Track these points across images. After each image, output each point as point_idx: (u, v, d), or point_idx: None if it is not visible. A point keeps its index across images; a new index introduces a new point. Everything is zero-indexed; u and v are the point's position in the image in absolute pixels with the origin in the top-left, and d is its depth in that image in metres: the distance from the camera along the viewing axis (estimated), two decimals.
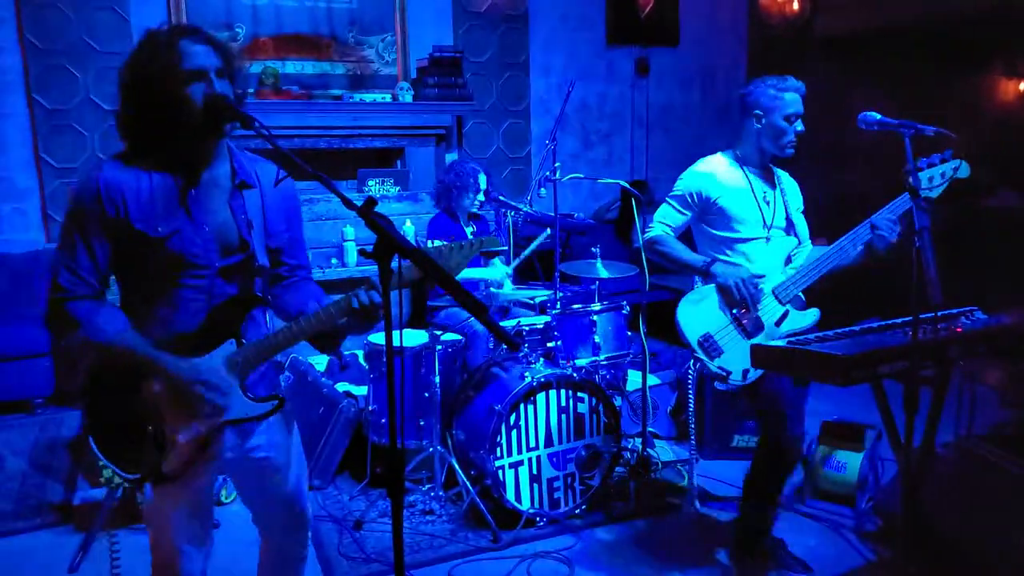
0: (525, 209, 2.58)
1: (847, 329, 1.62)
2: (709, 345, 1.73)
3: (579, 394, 2.17)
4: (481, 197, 2.61)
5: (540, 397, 2.11)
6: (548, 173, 2.40)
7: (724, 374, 1.73)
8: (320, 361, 2.89)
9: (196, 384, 1.07)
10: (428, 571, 1.89)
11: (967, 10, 3.67)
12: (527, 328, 2.38)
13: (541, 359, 2.26)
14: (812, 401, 2.55)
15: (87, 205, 1.07)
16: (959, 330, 1.57)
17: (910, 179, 1.46)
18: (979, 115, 3.87)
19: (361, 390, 2.57)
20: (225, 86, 1.09)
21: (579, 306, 2.42)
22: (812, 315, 1.79)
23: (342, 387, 2.60)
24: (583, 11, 4.45)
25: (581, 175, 3.05)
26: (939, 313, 1.45)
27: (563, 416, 2.15)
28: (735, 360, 1.73)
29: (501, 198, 2.66)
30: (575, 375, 2.16)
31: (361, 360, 2.81)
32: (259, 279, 1.16)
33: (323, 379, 2.62)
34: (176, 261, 1.09)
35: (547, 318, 2.38)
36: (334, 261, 3.33)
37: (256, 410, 1.13)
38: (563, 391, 2.15)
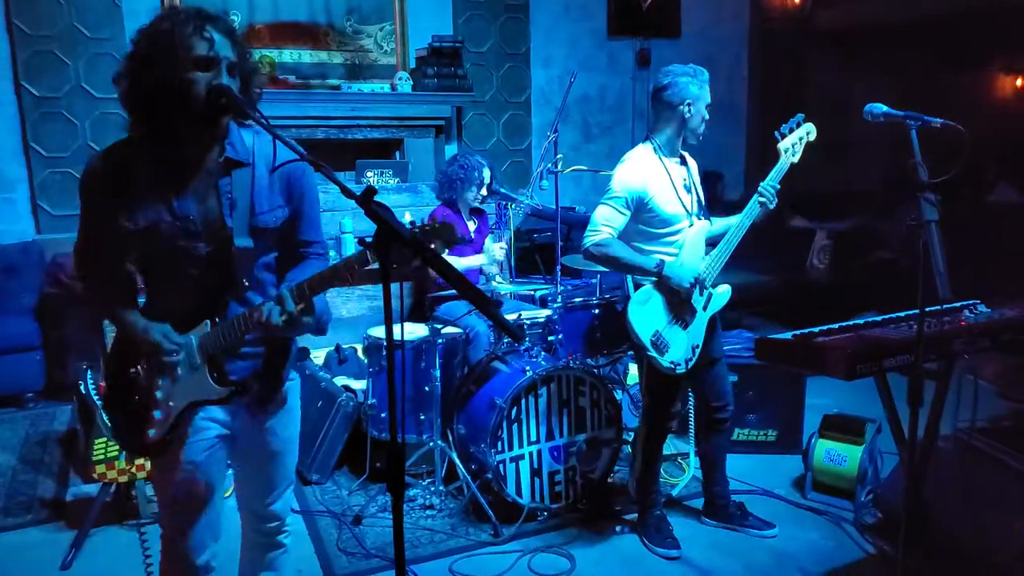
0: (527, 202, 2.55)
1: (851, 323, 1.62)
2: (660, 342, 1.80)
3: (580, 387, 2.15)
4: (484, 191, 2.59)
5: (542, 391, 2.10)
6: (550, 165, 2.37)
7: (673, 367, 1.80)
8: (318, 354, 2.86)
9: (150, 344, 1.12)
10: (428, 566, 1.88)
11: (967, 4, 3.66)
12: (528, 321, 2.36)
13: (542, 353, 2.24)
14: (811, 395, 2.58)
15: (83, 193, 1.13)
16: (963, 323, 1.56)
17: (918, 171, 1.45)
18: (979, 109, 3.87)
19: (360, 384, 2.55)
20: (233, 82, 1.07)
21: (580, 300, 2.40)
22: (726, 293, 1.90)
23: (340, 381, 2.57)
24: (584, 1, 4.40)
25: (584, 167, 3.02)
26: (943, 306, 1.44)
27: (564, 410, 2.14)
28: (679, 352, 1.82)
29: (502, 191, 2.63)
30: (576, 368, 2.14)
31: (360, 354, 2.78)
32: (245, 260, 1.15)
33: (321, 372, 2.60)
34: (163, 250, 1.11)
35: (548, 312, 2.36)
36: (332, 253, 3.29)
37: (215, 393, 1.15)
38: (564, 384, 2.13)
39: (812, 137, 1.85)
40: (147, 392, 1.16)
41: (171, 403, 1.15)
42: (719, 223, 1.91)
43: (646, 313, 1.79)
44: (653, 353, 1.77)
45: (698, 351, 1.84)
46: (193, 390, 1.14)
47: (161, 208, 1.09)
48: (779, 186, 1.82)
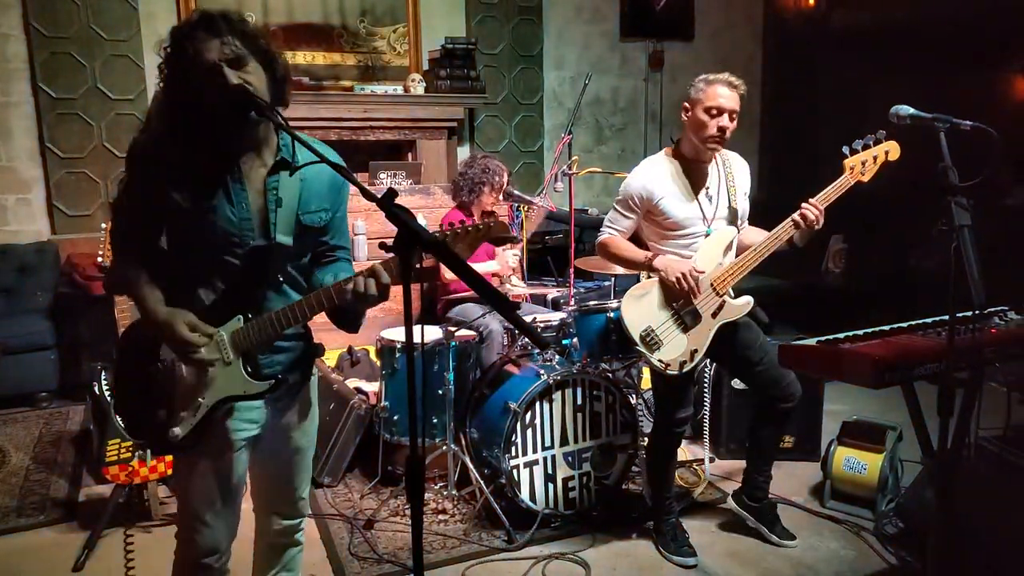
0: (542, 204, 2.53)
1: (876, 329, 1.58)
2: (651, 339, 1.77)
3: (595, 392, 2.13)
4: (500, 194, 2.58)
5: (556, 395, 2.07)
6: (565, 168, 2.36)
7: (663, 366, 1.77)
8: (330, 356, 2.85)
9: (176, 337, 1.09)
10: (441, 572, 1.86)
11: (986, 4, 3.60)
12: (542, 325, 2.34)
13: (556, 356, 2.22)
14: (829, 401, 2.53)
15: (131, 167, 1.12)
16: (993, 331, 1.52)
17: (948, 175, 1.41)
18: (998, 111, 3.80)
19: (372, 386, 2.54)
20: (245, 73, 1.06)
21: (594, 302, 2.38)
22: (745, 302, 1.83)
23: (352, 383, 2.56)
24: (597, 3, 4.39)
25: (599, 169, 3.00)
26: (974, 313, 1.40)
27: (579, 415, 2.11)
28: (673, 352, 1.78)
29: (517, 193, 2.62)
30: (591, 373, 2.12)
31: (372, 356, 2.77)
32: (283, 257, 1.16)
33: (333, 374, 2.59)
34: (212, 235, 1.10)
35: (563, 315, 2.34)
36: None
37: (253, 388, 1.13)
38: (579, 389, 2.11)
39: (894, 156, 1.71)
40: (172, 386, 1.13)
41: (201, 399, 1.12)
42: (753, 233, 1.85)
43: (640, 307, 1.77)
44: (641, 349, 1.75)
45: (698, 357, 1.79)
46: (226, 386, 1.12)
47: (219, 193, 1.08)
48: (821, 207, 1.70)
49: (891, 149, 1.73)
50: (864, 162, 1.72)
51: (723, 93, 1.74)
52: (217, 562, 1.18)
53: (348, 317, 1.18)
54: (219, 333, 1.12)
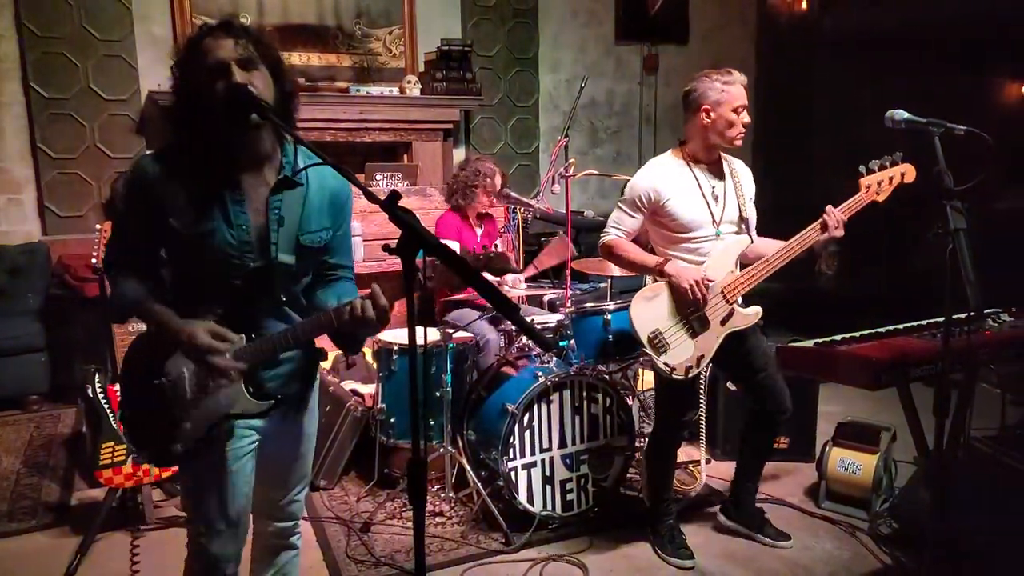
0: (537, 206, 2.54)
1: (873, 331, 1.59)
2: (658, 342, 1.77)
3: (593, 394, 2.13)
4: (495, 197, 2.57)
5: (554, 397, 2.08)
6: (562, 170, 2.36)
7: (668, 370, 1.77)
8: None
9: (190, 342, 1.09)
10: (439, 574, 1.85)
11: (975, 10, 3.66)
12: (539, 327, 2.34)
13: (554, 358, 2.22)
14: (824, 402, 2.55)
15: (128, 195, 1.13)
16: (987, 333, 1.54)
17: (944, 179, 1.43)
18: (989, 116, 3.86)
19: (368, 388, 2.52)
20: (253, 77, 1.07)
21: (591, 304, 2.38)
22: (754, 312, 1.83)
23: (348, 385, 2.55)
24: (592, 7, 4.41)
25: (596, 171, 3.01)
26: (967, 315, 1.42)
27: (577, 416, 2.11)
28: (680, 357, 1.77)
29: (512, 195, 2.62)
30: (589, 375, 2.12)
31: (368, 358, 2.76)
32: (286, 277, 1.16)
33: (329, 376, 2.57)
34: (212, 259, 1.10)
35: (560, 316, 2.34)
36: None
37: (254, 408, 1.14)
38: (577, 391, 2.11)
39: (909, 179, 1.73)
40: (175, 403, 1.14)
41: (204, 416, 1.13)
42: (765, 243, 1.84)
43: (649, 310, 1.77)
44: (649, 350, 1.76)
45: (705, 362, 1.79)
46: (228, 403, 1.13)
47: (217, 216, 1.09)
48: (845, 219, 1.73)
49: (907, 172, 1.74)
50: (880, 182, 1.73)
51: (743, 91, 1.78)
52: (228, 568, 1.18)
53: (350, 340, 1.18)
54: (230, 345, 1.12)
